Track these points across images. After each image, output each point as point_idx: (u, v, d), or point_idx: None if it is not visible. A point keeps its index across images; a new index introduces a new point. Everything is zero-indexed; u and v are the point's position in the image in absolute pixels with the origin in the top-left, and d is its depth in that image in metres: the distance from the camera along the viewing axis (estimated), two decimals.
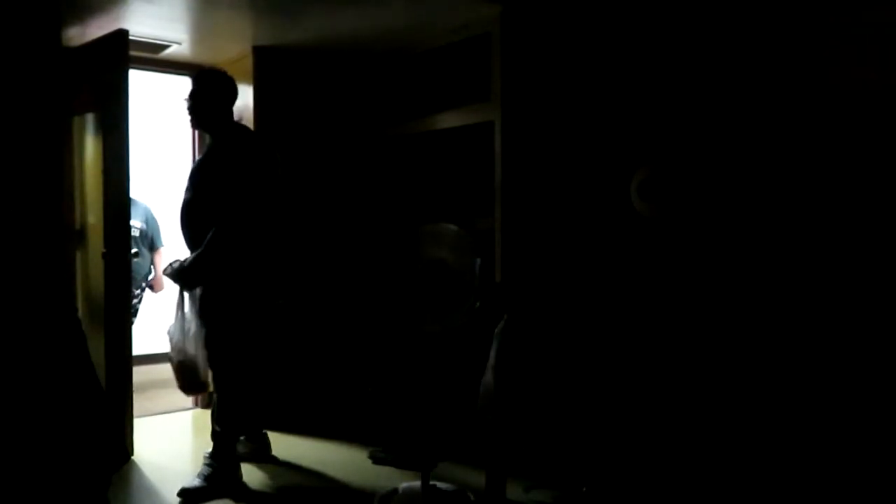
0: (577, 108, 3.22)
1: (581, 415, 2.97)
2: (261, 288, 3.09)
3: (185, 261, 3.06)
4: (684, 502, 2.74)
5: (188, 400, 4.39)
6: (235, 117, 4.23)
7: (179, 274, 3.05)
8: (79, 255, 3.69)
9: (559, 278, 3.23)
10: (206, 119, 3.14)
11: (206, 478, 3.01)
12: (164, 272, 3.14)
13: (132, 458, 3.41)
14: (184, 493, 2.96)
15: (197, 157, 4.27)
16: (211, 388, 3.37)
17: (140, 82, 4.35)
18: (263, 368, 3.50)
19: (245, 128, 3.34)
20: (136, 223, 4.33)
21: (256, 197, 3.00)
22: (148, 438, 3.69)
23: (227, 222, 2.92)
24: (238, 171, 2.98)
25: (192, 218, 3.06)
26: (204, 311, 3.07)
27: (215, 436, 3.07)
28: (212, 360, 3.11)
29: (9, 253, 2.48)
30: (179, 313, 3.21)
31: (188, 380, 3.30)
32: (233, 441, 3.10)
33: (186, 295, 3.19)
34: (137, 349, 3.64)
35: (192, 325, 3.16)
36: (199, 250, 2.98)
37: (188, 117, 3.18)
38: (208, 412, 3.22)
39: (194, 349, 3.17)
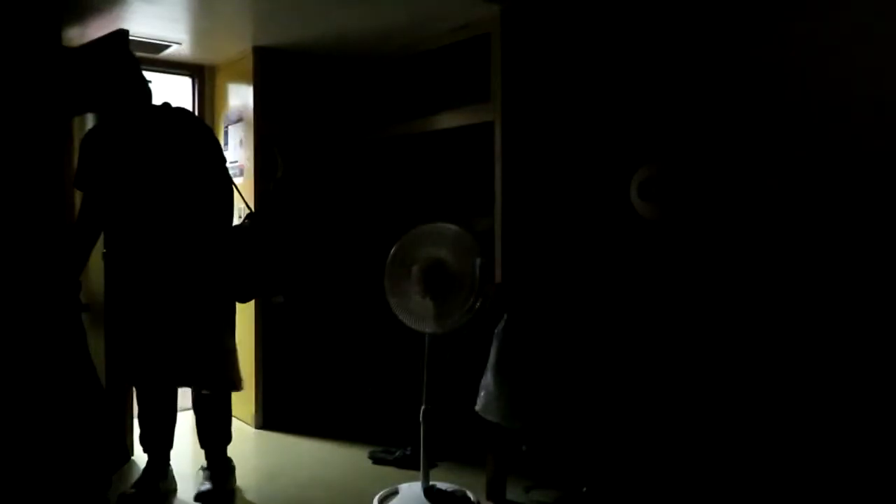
0: (576, 108, 3.22)
1: (581, 415, 2.97)
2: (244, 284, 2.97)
3: None
4: (684, 502, 2.74)
5: (188, 400, 4.39)
6: (236, 116, 4.24)
7: None
8: None
9: (559, 279, 3.23)
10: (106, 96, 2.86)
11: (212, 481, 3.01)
12: None
13: (132, 458, 3.41)
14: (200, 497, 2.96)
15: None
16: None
17: None
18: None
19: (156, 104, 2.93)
20: None
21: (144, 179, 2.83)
22: None
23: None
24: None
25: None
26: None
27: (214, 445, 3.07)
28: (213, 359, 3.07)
29: (9, 252, 2.48)
30: None
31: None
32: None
33: None
34: None
35: None
36: None
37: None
38: None
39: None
